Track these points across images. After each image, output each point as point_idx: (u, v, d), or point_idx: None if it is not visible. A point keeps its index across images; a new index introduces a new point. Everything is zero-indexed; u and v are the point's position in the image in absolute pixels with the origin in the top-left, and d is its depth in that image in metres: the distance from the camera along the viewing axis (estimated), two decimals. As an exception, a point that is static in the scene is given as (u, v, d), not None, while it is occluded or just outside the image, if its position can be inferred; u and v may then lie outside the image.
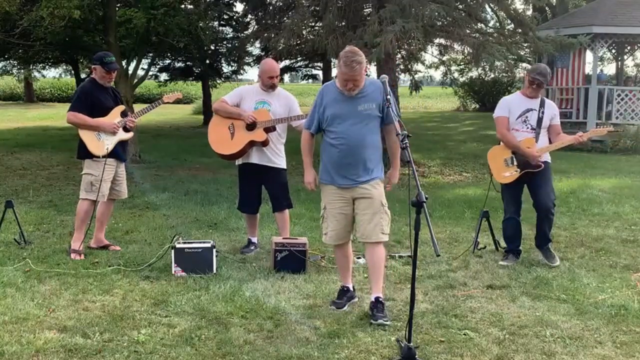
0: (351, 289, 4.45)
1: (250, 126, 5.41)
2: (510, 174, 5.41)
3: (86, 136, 5.43)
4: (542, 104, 5.39)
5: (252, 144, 5.45)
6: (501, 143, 5.53)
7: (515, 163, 5.39)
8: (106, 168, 5.42)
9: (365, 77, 4.13)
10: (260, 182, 5.69)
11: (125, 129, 5.55)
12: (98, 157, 5.37)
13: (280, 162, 5.61)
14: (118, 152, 5.52)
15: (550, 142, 5.41)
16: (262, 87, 5.56)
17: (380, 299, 4.16)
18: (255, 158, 5.53)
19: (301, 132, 5.49)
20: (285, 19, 12.93)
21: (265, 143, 5.45)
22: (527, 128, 5.37)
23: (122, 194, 5.74)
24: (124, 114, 5.54)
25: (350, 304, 4.35)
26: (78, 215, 5.48)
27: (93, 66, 5.54)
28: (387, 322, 4.00)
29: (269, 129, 5.44)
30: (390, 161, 4.37)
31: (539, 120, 5.35)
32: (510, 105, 5.45)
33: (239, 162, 5.63)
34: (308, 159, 4.42)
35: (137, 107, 9.12)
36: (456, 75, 22.51)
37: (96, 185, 5.38)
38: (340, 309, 4.28)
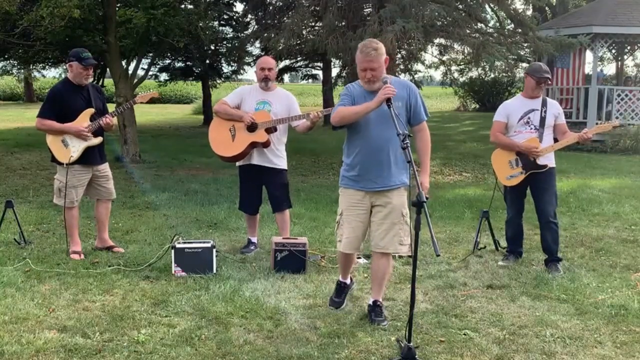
0: (348, 283, 4.41)
1: (251, 127, 5.40)
2: (515, 176, 5.32)
3: (53, 143, 5.35)
4: (544, 104, 5.28)
5: (253, 145, 5.43)
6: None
7: (520, 165, 5.29)
8: (75, 174, 5.33)
9: (393, 77, 3.98)
10: (261, 183, 5.68)
11: (96, 134, 5.37)
12: (62, 164, 5.28)
13: (281, 162, 5.60)
14: (89, 158, 5.37)
15: (555, 142, 5.29)
16: (260, 84, 5.55)
17: (379, 303, 4.15)
18: (255, 159, 5.52)
19: (300, 132, 5.52)
20: (285, 19, 12.94)
21: (266, 144, 5.44)
22: (531, 129, 5.25)
23: (109, 194, 5.62)
24: (93, 118, 5.35)
25: (348, 296, 4.35)
26: (65, 223, 5.47)
27: (69, 63, 5.33)
28: (384, 325, 4.00)
29: (270, 130, 5.43)
30: (418, 164, 4.14)
31: (542, 120, 5.22)
32: (510, 110, 5.35)
33: (239, 162, 5.62)
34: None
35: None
36: (456, 75, 22.47)
37: (63, 191, 5.31)
38: (339, 307, 4.28)
